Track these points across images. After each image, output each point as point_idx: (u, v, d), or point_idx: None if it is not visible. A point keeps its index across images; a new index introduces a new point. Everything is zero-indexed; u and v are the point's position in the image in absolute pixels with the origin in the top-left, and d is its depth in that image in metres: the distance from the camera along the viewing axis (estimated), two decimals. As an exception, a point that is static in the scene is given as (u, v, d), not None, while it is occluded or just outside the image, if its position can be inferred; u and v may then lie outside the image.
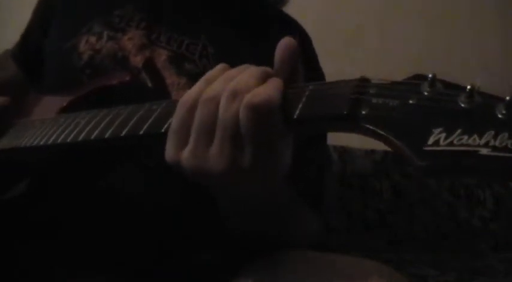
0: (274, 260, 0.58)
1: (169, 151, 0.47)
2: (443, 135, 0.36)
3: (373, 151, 1.87)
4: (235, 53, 0.75)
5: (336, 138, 1.69)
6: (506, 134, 0.34)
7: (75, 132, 0.58)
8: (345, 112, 0.40)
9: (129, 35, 0.76)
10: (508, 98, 0.36)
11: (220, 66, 0.49)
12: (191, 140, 0.45)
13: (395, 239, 1.82)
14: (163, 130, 0.50)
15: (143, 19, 0.77)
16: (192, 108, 0.46)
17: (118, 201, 0.69)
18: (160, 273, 0.69)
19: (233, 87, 0.44)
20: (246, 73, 0.46)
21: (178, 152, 0.46)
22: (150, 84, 0.72)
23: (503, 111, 0.36)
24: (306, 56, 0.78)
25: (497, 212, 1.98)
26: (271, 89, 0.43)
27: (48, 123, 0.65)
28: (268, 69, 0.47)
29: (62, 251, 0.69)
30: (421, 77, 0.40)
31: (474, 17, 2.03)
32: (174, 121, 0.47)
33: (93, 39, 0.76)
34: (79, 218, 0.69)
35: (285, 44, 0.46)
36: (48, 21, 0.85)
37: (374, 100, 0.40)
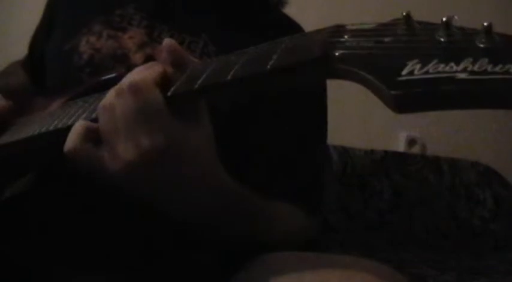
0: (274, 260, 0.58)
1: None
2: (418, 66, 0.35)
3: (373, 151, 1.87)
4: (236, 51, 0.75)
5: (336, 138, 1.68)
6: (485, 59, 0.33)
7: (65, 118, 0.59)
8: (318, 55, 0.40)
9: (130, 34, 0.76)
10: (485, 24, 0.35)
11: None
12: (104, 143, 0.51)
13: (396, 239, 1.82)
14: None
15: (144, 18, 0.78)
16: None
17: (118, 201, 0.69)
18: (161, 273, 0.69)
19: (118, 86, 0.50)
20: (132, 71, 0.53)
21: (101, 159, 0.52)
22: None
23: (483, 40, 0.34)
24: None
25: (497, 212, 1.99)
26: (143, 71, 0.51)
27: (45, 117, 0.66)
28: (153, 62, 0.53)
29: (62, 251, 0.69)
30: (398, 19, 0.40)
31: (474, 17, 2.03)
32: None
33: (93, 38, 0.77)
34: (79, 217, 0.69)
35: (165, 45, 0.52)
36: (51, 25, 0.86)
37: (348, 43, 0.39)
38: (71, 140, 0.52)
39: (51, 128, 0.60)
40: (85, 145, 0.51)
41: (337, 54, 0.39)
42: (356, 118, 1.98)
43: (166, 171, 0.51)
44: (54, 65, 0.81)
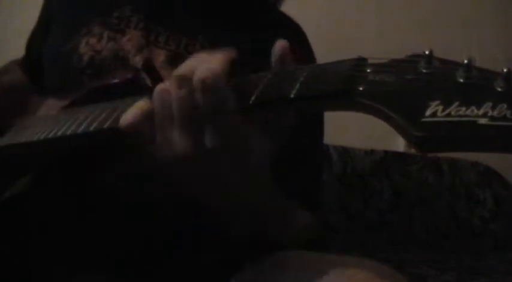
0: (274, 260, 0.58)
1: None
2: (440, 107, 0.36)
3: (373, 151, 1.87)
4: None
5: (336, 138, 1.68)
6: (504, 105, 0.34)
7: (74, 125, 0.59)
8: (342, 88, 0.40)
9: (128, 36, 0.76)
10: (505, 70, 0.36)
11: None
12: (157, 133, 0.49)
13: (396, 239, 1.82)
14: None
15: (141, 20, 0.78)
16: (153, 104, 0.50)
17: (118, 201, 0.69)
18: (161, 273, 0.69)
19: (178, 73, 0.47)
20: (191, 59, 0.49)
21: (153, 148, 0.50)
22: (149, 84, 0.72)
23: (502, 84, 0.35)
24: (304, 57, 0.78)
25: (497, 212, 1.99)
26: (214, 63, 0.46)
27: (48, 120, 0.65)
28: (219, 52, 0.50)
29: (62, 251, 0.69)
30: (418, 56, 0.40)
31: (474, 17, 2.03)
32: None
33: (93, 40, 0.77)
34: (79, 217, 0.69)
35: (278, 46, 0.48)
36: (48, 25, 0.86)
37: (371, 77, 0.40)
38: (133, 114, 0.51)
39: (59, 133, 0.60)
40: (144, 122, 0.50)
41: (361, 88, 0.40)
42: (356, 118, 1.97)
43: (215, 170, 0.51)
44: (53, 65, 0.81)
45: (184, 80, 0.47)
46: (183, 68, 0.48)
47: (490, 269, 1.56)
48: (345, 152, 1.84)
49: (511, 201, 2.02)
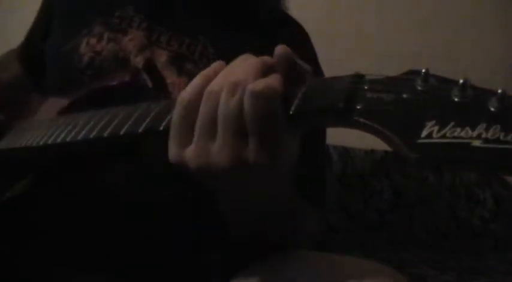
0: (274, 260, 0.58)
1: (172, 150, 0.47)
2: (436, 128, 0.36)
3: (373, 151, 1.87)
4: (234, 53, 0.75)
5: (336, 138, 1.68)
6: (498, 126, 0.35)
7: (74, 131, 0.58)
8: (340, 106, 0.41)
9: (130, 36, 0.76)
10: (499, 91, 0.36)
11: (217, 63, 0.50)
12: (195, 136, 0.46)
13: (396, 239, 1.82)
14: (161, 128, 0.50)
15: (144, 20, 0.78)
16: (191, 105, 0.46)
17: (118, 201, 0.69)
18: (161, 273, 0.69)
19: (234, 79, 0.45)
20: (246, 65, 0.46)
21: (181, 150, 0.46)
22: (150, 85, 0.72)
23: (495, 104, 0.36)
24: (306, 56, 0.78)
25: (497, 212, 1.98)
26: (272, 78, 0.44)
27: (48, 124, 0.65)
28: (267, 58, 0.47)
29: (62, 251, 0.69)
30: (415, 73, 0.41)
31: (475, 17, 2.03)
32: (174, 119, 0.47)
33: (93, 40, 0.77)
34: (79, 217, 0.69)
35: (278, 51, 0.47)
36: (49, 23, 0.86)
37: (368, 95, 0.41)
38: (190, 92, 0.47)
39: (59, 140, 0.60)
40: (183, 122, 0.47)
41: (358, 107, 0.41)
42: (356, 118, 1.97)
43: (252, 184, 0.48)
44: (54, 65, 0.81)
45: (238, 87, 0.44)
46: (238, 74, 0.45)
47: (490, 269, 1.56)
48: (345, 152, 1.84)
49: (511, 201, 2.02)
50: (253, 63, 0.46)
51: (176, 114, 0.47)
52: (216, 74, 0.47)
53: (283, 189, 0.52)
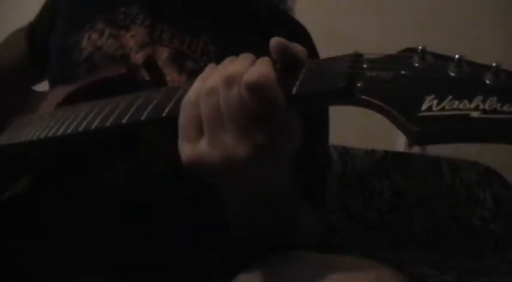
0: (274, 260, 0.58)
1: (186, 150, 0.48)
2: (435, 101, 0.38)
3: (373, 151, 1.87)
4: (235, 51, 0.75)
5: (336, 138, 1.68)
6: (494, 98, 0.36)
7: (75, 123, 0.58)
8: (342, 86, 0.42)
9: (132, 32, 0.76)
10: (494, 64, 0.38)
11: (212, 65, 0.51)
12: (206, 132, 0.47)
13: (395, 239, 1.82)
14: (164, 114, 0.51)
15: (147, 17, 0.78)
16: (195, 105, 0.47)
17: (118, 201, 0.69)
18: (161, 273, 0.69)
19: (227, 74, 0.46)
20: (237, 60, 0.48)
21: (195, 148, 0.47)
22: (147, 78, 0.72)
23: (491, 78, 0.38)
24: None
25: (497, 212, 1.98)
26: (262, 66, 0.46)
27: (47, 118, 0.65)
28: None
29: (62, 251, 0.69)
30: (412, 50, 0.42)
31: (475, 17, 2.03)
32: (181, 121, 0.48)
33: (95, 36, 0.77)
34: (79, 217, 0.69)
35: (272, 43, 0.48)
36: (53, 18, 0.86)
37: (368, 73, 0.42)
38: (191, 95, 0.48)
39: (59, 133, 0.60)
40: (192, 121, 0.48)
41: (359, 85, 0.42)
42: (356, 118, 1.97)
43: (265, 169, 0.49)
44: (56, 59, 0.81)
45: (234, 80, 0.46)
46: (231, 68, 0.47)
47: (490, 269, 1.56)
48: (345, 152, 1.84)
49: (511, 201, 2.02)
50: (243, 57, 0.48)
51: (183, 115, 0.48)
52: (211, 73, 0.49)
53: (283, 183, 0.53)
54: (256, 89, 0.44)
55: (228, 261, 0.66)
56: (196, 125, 0.47)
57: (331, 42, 1.61)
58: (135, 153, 0.69)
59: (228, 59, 0.50)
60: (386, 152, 1.91)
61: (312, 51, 0.84)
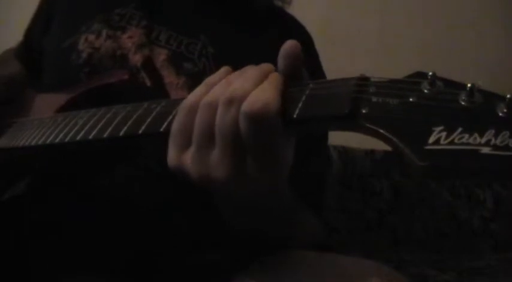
0: (274, 260, 0.58)
1: (171, 155, 0.47)
2: (443, 134, 0.35)
3: (373, 151, 1.87)
4: (234, 53, 0.75)
5: (336, 138, 1.68)
6: (507, 133, 0.34)
7: (73, 131, 0.58)
8: (346, 111, 0.40)
9: (129, 34, 0.76)
10: (508, 96, 0.35)
11: (222, 70, 0.49)
12: (193, 144, 0.45)
13: (396, 239, 1.82)
14: (162, 129, 0.50)
15: (143, 18, 0.77)
16: (191, 113, 0.46)
17: (118, 202, 0.69)
18: (161, 274, 0.68)
19: (229, 94, 0.44)
20: (243, 77, 0.46)
21: (180, 156, 0.46)
22: (148, 83, 0.72)
23: (504, 110, 0.35)
24: (307, 55, 0.78)
25: (497, 212, 1.98)
26: (268, 92, 0.43)
27: (47, 123, 0.65)
28: (268, 67, 0.47)
29: (62, 251, 0.69)
30: (421, 75, 0.39)
31: (476, 17, 2.03)
32: (175, 125, 0.47)
33: (92, 37, 0.76)
34: (79, 218, 0.69)
35: (289, 45, 0.46)
36: (49, 19, 0.86)
37: (374, 99, 0.40)
38: (191, 100, 0.47)
39: (57, 140, 0.60)
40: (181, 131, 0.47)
41: (364, 111, 0.39)
42: (356, 118, 1.97)
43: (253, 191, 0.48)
44: (52, 62, 0.81)
45: (234, 102, 0.43)
46: (236, 87, 0.44)
47: (490, 269, 1.56)
48: (344, 152, 1.83)
49: (511, 201, 2.02)
50: (251, 74, 0.46)
51: (177, 120, 0.47)
52: (217, 82, 0.47)
53: (281, 191, 0.52)
54: (255, 119, 0.42)
55: (228, 261, 0.66)
56: (186, 134, 0.46)
57: (331, 42, 1.61)
58: (135, 156, 0.69)
59: (237, 73, 0.47)
60: (386, 152, 1.90)
61: (313, 53, 0.84)
